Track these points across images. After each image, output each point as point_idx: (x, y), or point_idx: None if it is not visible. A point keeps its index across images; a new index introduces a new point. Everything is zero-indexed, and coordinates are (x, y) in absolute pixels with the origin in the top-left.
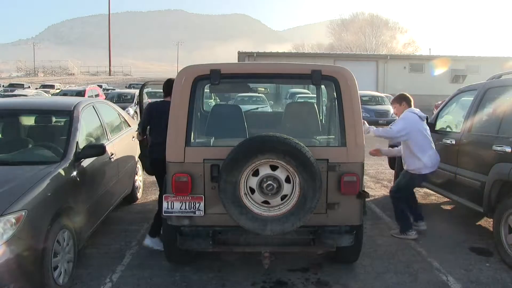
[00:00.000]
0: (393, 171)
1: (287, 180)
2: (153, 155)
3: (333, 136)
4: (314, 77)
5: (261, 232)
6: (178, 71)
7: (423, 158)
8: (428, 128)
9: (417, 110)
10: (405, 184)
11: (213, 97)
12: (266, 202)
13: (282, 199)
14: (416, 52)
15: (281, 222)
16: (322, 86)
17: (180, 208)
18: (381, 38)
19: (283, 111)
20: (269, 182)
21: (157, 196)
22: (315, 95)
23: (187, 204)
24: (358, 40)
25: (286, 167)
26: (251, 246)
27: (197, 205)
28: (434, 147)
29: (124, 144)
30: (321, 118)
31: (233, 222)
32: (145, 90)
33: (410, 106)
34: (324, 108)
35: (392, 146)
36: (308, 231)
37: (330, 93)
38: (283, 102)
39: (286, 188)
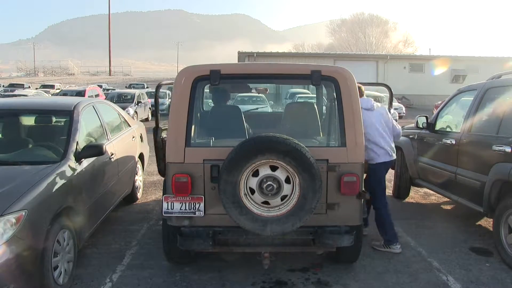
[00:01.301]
0: (393, 171)
1: (287, 180)
2: None
3: (333, 136)
4: (314, 78)
5: (261, 233)
6: (178, 72)
7: (374, 149)
8: (384, 114)
9: (366, 103)
10: (372, 182)
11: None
12: (266, 202)
13: (282, 199)
14: (416, 52)
15: (281, 223)
16: (322, 86)
17: (180, 209)
18: (380, 38)
19: (283, 111)
20: (269, 183)
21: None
22: (315, 95)
23: (187, 204)
24: (357, 39)
25: (286, 167)
26: (251, 246)
27: (197, 206)
28: (387, 135)
29: (124, 144)
30: (321, 118)
31: (233, 222)
32: (145, 91)
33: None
34: (324, 108)
35: None
36: (308, 232)
37: (330, 93)
38: (283, 102)
39: (286, 189)
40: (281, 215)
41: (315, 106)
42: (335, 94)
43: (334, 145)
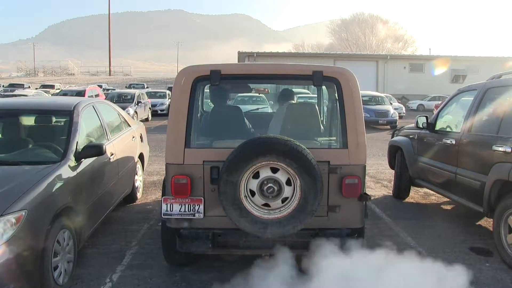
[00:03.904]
0: (393, 171)
1: (288, 182)
2: None
3: (334, 138)
4: (316, 78)
5: (261, 235)
6: (178, 72)
7: None
8: None
9: None
10: None
11: None
12: (266, 204)
13: (282, 201)
14: (416, 52)
15: (281, 225)
16: (323, 87)
17: (179, 211)
18: (380, 38)
19: (283, 112)
20: (269, 185)
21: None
22: (315, 95)
23: (187, 206)
24: (357, 39)
25: (287, 169)
26: (251, 249)
27: (196, 208)
28: None
29: (124, 144)
30: (322, 119)
31: (233, 224)
32: (145, 91)
33: None
34: (325, 109)
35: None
36: (308, 234)
37: (331, 94)
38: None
39: (287, 191)
40: (281, 218)
41: (316, 107)
42: (336, 95)
43: (336, 146)
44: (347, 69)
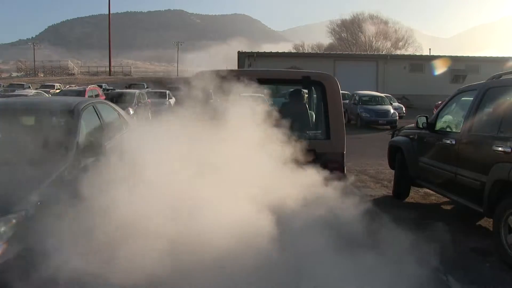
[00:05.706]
0: (393, 171)
1: None
2: None
3: (320, 131)
4: (304, 82)
5: None
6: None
7: None
8: None
9: None
10: None
11: None
12: None
13: None
14: (416, 52)
15: None
16: (312, 88)
17: None
18: (380, 38)
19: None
20: None
21: None
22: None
23: None
24: (357, 39)
25: None
26: None
27: None
28: None
29: None
30: (311, 115)
31: None
32: (146, 91)
33: None
34: (314, 107)
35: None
36: None
37: (318, 95)
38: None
39: None
40: None
41: (306, 105)
42: (321, 96)
43: (321, 138)
44: (330, 74)
